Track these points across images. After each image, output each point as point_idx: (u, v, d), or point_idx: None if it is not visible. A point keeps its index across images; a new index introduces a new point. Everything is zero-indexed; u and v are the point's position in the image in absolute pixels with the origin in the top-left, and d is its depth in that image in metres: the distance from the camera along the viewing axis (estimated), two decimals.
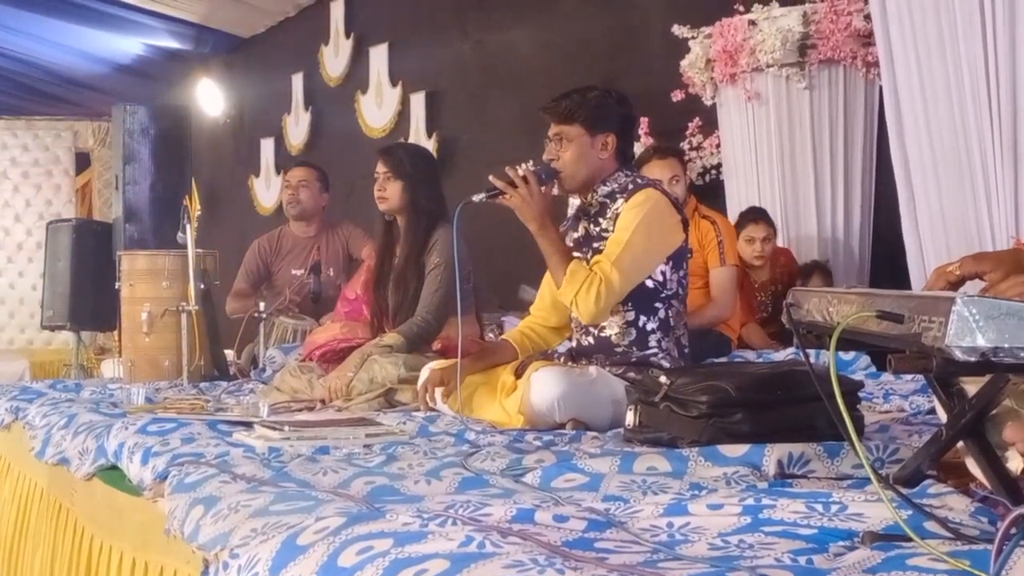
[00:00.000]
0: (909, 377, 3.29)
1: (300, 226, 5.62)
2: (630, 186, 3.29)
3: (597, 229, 3.31)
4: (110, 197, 7.32)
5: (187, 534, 1.96)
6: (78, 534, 2.94)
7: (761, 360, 4.10)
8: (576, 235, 3.39)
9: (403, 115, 8.03)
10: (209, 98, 10.34)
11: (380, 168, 4.01)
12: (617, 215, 3.24)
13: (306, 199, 5.56)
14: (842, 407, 1.52)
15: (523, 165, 3.25)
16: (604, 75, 5.85)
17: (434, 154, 5.97)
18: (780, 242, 5.39)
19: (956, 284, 1.90)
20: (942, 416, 1.84)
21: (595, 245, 3.29)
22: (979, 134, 3.95)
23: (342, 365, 3.73)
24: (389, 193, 3.97)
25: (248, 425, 2.92)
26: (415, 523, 1.58)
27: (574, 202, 3.62)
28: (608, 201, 3.30)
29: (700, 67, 5.49)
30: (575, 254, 3.34)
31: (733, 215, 5.38)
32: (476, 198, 3.25)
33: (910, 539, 1.43)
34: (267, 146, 9.89)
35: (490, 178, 3.24)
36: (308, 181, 5.59)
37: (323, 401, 3.63)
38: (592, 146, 3.29)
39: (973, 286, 1.89)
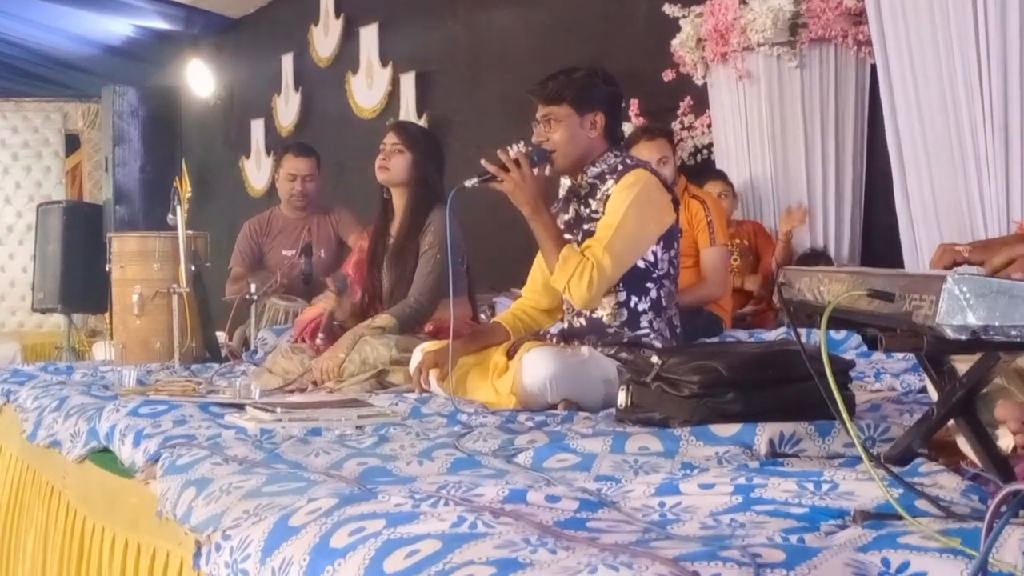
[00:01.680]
0: (900, 356, 3.29)
1: (295, 209, 5.59)
2: (620, 167, 3.28)
3: (587, 211, 3.30)
4: (100, 179, 7.34)
5: (179, 516, 1.97)
6: (70, 517, 2.94)
7: (752, 340, 4.11)
8: (566, 217, 3.38)
9: (393, 95, 8.01)
10: (199, 79, 10.28)
11: (391, 140, 3.98)
12: (608, 196, 3.23)
13: (313, 191, 5.51)
14: (833, 386, 1.52)
15: (514, 146, 3.23)
16: (595, 55, 5.84)
17: None
18: (770, 221, 5.40)
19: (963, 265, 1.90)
20: (933, 395, 1.85)
21: (585, 227, 3.28)
22: (970, 115, 3.96)
23: (334, 346, 3.73)
24: (394, 164, 3.94)
25: (240, 407, 2.92)
26: (407, 504, 1.58)
27: (565, 183, 3.62)
28: (598, 182, 3.30)
29: (691, 46, 5.48)
30: (566, 236, 3.34)
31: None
32: (468, 183, 3.23)
33: (901, 517, 1.43)
34: (257, 127, 9.86)
35: (482, 162, 3.22)
36: (313, 174, 5.53)
37: (315, 383, 3.63)
38: (581, 126, 3.29)
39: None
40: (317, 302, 4.62)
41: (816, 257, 5.14)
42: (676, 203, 3.32)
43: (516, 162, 3.17)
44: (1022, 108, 3.83)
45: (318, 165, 5.58)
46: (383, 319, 3.76)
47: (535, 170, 3.20)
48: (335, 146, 8.16)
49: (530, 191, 3.17)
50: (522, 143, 3.31)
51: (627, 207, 3.16)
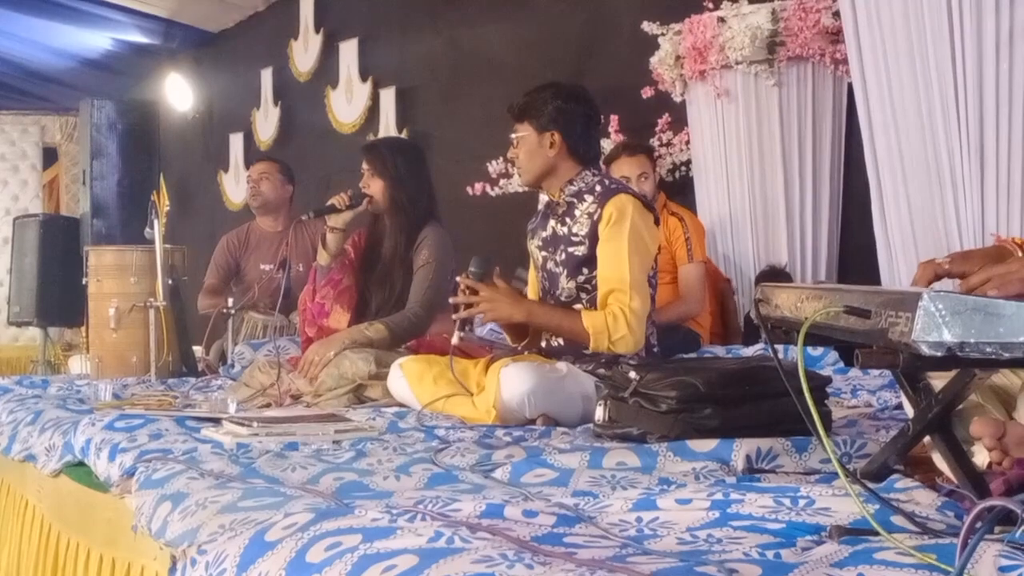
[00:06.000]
0: (876, 372, 3.31)
1: (267, 220, 5.61)
2: (598, 188, 3.32)
3: (565, 230, 3.33)
4: (77, 192, 7.31)
5: (155, 530, 1.96)
6: (45, 531, 2.92)
7: (730, 356, 4.12)
8: (545, 234, 3.40)
9: (373, 110, 8.00)
10: (178, 93, 10.26)
11: (364, 165, 4.00)
12: (592, 218, 3.26)
13: (267, 190, 5.59)
14: (810, 402, 1.52)
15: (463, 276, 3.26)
16: (574, 71, 5.86)
17: None
18: (746, 239, 5.41)
19: (944, 279, 1.91)
20: (909, 411, 1.86)
21: (568, 249, 3.30)
22: (946, 133, 3.98)
23: (326, 339, 3.73)
24: (373, 190, 3.96)
25: (216, 421, 2.91)
26: (384, 519, 1.57)
27: (543, 198, 3.63)
28: (575, 200, 3.33)
29: (670, 64, 5.50)
30: (543, 253, 3.36)
31: (703, 212, 5.41)
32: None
33: (877, 533, 1.43)
34: (236, 141, 9.84)
35: (450, 301, 3.27)
36: (269, 173, 5.63)
37: (293, 397, 3.61)
38: (540, 144, 3.37)
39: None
40: (295, 316, 4.61)
41: (775, 275, 5.08)
42: (657, 221, 3.35)
43: (473, 290, 3.20)
44: (997, 127, 3.86)
45: (280, 171, 5.70)
46: (375, 330, 3.73)
47: (495, 279, 3.23)
48: (316, 160, 8.16)
49: (507, 302, 3.22)
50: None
51: (626, 246, 3.21)
